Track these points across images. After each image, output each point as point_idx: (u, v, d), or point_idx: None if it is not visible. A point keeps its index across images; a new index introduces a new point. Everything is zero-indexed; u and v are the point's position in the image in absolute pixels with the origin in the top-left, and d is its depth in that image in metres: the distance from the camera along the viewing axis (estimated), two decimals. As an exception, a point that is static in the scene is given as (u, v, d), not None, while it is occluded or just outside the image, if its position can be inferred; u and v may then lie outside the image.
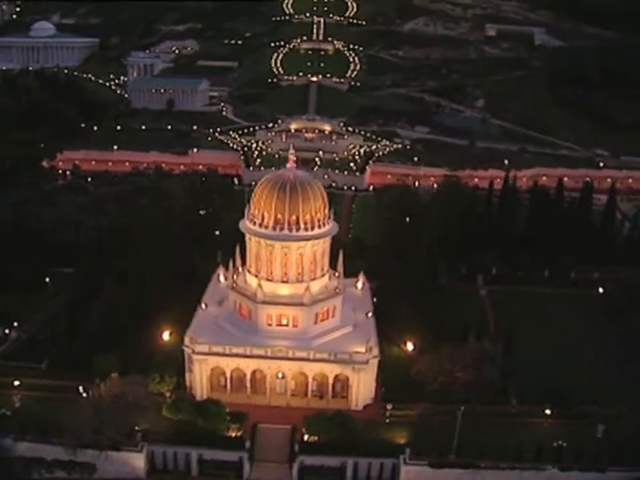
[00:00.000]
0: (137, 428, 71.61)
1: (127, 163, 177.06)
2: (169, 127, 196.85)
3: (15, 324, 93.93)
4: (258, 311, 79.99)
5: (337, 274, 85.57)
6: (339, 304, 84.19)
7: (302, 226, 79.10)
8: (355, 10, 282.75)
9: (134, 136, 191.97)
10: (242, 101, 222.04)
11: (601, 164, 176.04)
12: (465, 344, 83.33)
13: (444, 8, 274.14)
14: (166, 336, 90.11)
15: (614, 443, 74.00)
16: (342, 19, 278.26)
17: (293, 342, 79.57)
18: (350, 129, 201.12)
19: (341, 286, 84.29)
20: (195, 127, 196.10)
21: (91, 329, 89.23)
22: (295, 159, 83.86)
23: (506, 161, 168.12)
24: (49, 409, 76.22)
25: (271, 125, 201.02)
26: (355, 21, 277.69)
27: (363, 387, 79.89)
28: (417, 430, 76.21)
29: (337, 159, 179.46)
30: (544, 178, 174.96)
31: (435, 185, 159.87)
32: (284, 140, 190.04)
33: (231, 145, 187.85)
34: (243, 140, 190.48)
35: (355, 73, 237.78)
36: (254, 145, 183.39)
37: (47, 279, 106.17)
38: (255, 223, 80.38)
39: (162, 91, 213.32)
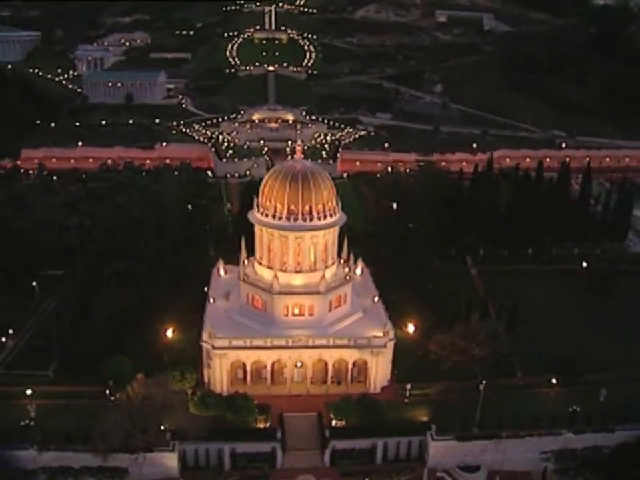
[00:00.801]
0: (165, 427, 71.13)
1: (90, 160, 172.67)
2: (130, 121, 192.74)
3: (11, 331, 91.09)
4: (274, 302, 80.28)
5: (343, 261, 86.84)
6: (349, 291, 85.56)
7: (315, 216, 79.74)
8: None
9: (94, 132, 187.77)
10: (200, 93, 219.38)
11: (563, 145, 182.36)
12: (474, 322, 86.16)
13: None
14: (169, 333, 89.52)
15: (617, 405, 78.41)
16: (292, 7, 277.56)
17: (310, 330, 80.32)
18: (313, 117, 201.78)
19: (350, 273, 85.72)
20: (157, 121, 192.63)
21: (95, 331, 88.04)
22: (301, 149, 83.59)
23: (474, 145, 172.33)
24: (66, 416, 74.56)
25: (233, 115, 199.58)
26: (305, 9, 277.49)
27: (380, 370, 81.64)
28: (437, 407, 78.63)
29: (305, 147, 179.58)
30: (507, 160, 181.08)
31: (408, 170, 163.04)
32: (249, 130, 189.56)
33: (197, 137, 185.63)
34: (207, 132, 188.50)
35: (311, 61, 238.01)
36: (221, 137, 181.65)
37: (34, 283, 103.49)
38: (266, 215, 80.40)
39: (119, 84, 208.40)
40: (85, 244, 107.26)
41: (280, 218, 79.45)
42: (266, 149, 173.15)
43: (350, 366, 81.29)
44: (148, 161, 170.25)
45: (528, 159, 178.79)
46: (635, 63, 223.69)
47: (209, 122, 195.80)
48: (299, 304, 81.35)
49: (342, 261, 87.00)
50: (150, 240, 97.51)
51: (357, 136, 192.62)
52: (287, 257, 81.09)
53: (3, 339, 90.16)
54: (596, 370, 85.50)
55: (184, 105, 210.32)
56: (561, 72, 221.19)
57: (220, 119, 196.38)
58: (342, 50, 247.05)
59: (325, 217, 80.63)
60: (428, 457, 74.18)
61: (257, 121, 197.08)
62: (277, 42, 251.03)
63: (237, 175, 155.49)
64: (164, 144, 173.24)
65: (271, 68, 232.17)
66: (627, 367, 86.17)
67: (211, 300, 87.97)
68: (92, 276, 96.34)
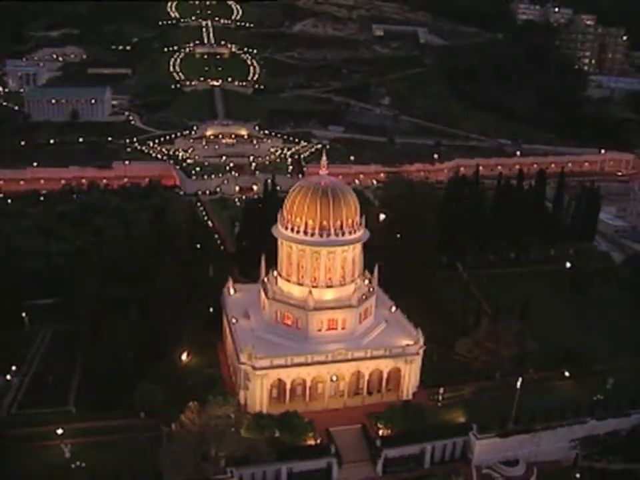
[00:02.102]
0: (219, 454, 69.52)
1: (42, 181, 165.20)
2: (80, 140, 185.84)
3: (14, 368, 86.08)
4: (309, 318, 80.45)
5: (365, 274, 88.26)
6: (374, 302, 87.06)
7: (346, 230, 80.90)
8: (240, 13, 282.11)
9: (42, 151, 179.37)
10: (147, 109, 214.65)
11: (518, 153, 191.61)
12: (496, 324, 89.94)
13: (329, 9, 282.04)
14: (184, 357, 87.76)
15: (623, 391, 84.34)
16: (229, 22, 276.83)
17: (345, 344, 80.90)
18: (266, 132, 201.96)
19: (374, 285, 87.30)
20: (109, 139, 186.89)
21: (110, 360, 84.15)
22: (326, 165, 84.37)
23: (435, 155, 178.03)
24: (106, 452, 71.10)
25: (187, 132, 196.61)
26: (242, 23, 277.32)
27: (412, 377, 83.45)
28: (472, 407, 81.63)
29: (267, 162, 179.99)
30: (462, 169, 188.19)
31: (375, 182, 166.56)
32: (206, 147, 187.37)
33: (153, 154, 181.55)
34: (163, 149, 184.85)
35: (256, 75, 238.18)
36: (180, 154, 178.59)
37: (23, 314, 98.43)
38: (297, 232, 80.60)
39: (63, 101, 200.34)
40: (78, 270, 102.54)
41: (312, 234, 79.91)
42: (230, 164, 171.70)
43: (385, 375, 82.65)
44: (104, 180, 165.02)
45: (481, 168, 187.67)
46: (564, 74, 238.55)
47: (162, 139, 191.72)
48: (332, 318, 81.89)
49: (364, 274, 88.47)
50: (158, 262, 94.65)
51: (313, 149, 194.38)
52: (319, 272, 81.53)
53: (8, 377, 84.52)
54: (596, 361, 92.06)
55: (132, 122, 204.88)
56: (499, 83, 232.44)
57: (173, 136, 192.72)
58: (284, 64, 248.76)
59: (355, 231, 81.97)
60: (473, 455, 76.51)
61: (211, 137, 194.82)
62: (218, 56, 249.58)
63: (207, 192, 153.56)
64: (127, 162, 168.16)
65: (215, 83, 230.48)
66: (618, 355, 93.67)
67: (233, 320, 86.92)
68: (94, 303, 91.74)
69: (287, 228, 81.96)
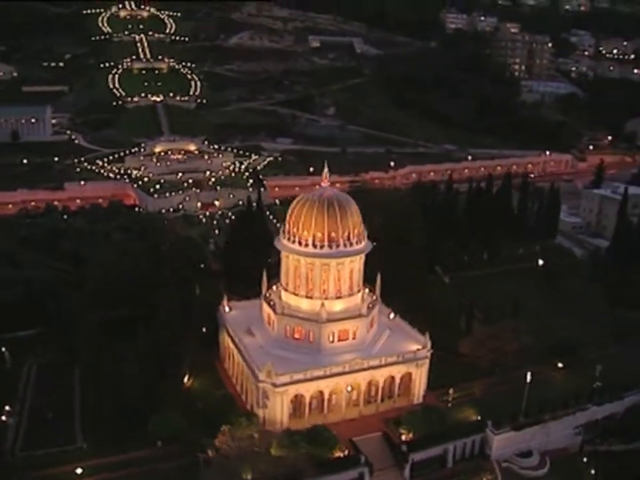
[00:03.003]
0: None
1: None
2: (25, 161, 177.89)
3: (8, 407, 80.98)
4: (321, 330, 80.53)
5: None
6: (377, 310, 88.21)
7: (353, 241, 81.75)
8: (174, 27, 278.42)
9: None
10: (89, 127, 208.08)
11: (469, 157, 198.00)
12: (497, 323, 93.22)
13: (264, 22, 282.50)
14: (185, 379, 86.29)
15: (611, 377, 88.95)
16: (163, 36, 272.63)
17: (357, 353, 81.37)
18: (215, 146, 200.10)
19: (377, 293, 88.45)
20: (56, 159, 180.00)
21: (116, 389, 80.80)
22: (327, 176, 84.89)
23: (392, 163, 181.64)
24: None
25: (135, 149, 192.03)
26: (177, 37, 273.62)
27: (422, 381, 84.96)
28: (480, 404, 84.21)
29: (222, 177, 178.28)
30: (413, 175, 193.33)
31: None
32: (158, 164, 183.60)
33: (104, 174, 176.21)
34: (113, 168, 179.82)
35: (198, 90, 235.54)
36: (135, 172, 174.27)
37: (3, 349, 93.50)
38: (305, 245, 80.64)
39: (2, 121, 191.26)
40: (66, 297, 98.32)
41: (322, 246, 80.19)
42: (190, 181, 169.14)
43: (397, 381, 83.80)
44: (56, 202, 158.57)
45: (432, 173, 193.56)
46: (498, 80, 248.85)
47: (110, 157, 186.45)
48: (343, 329, 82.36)
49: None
50: (156, 283, 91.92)
51: (265, 162, 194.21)
52: (328, 284, 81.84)
53: (3, 418, 79.75)
54: (583, 350, 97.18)
55: (76, 141, 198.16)
56: (437, 90, 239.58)
57: (122, 154, 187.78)
58: (224, 77, 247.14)
59: (360, 241, 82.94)
60: (491, 451, 78.68)
61: (161, 154, 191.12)
62: (157, 71, 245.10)
63: (171, 209, 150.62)
64: (82, 182, 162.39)
65: (157, 98, 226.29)
66: (600, 343, 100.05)
67: (237, 340, 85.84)
68: (94, 329, 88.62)
69: (293, 242, 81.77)
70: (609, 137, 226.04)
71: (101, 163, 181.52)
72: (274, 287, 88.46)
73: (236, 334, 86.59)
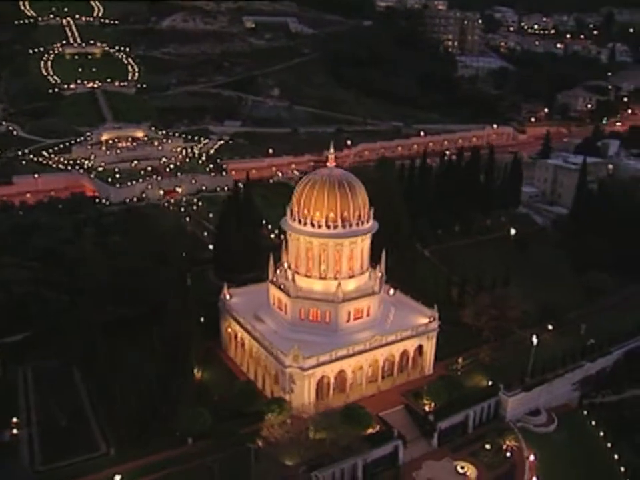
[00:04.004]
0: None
1: None
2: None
3: (15, 419, 76.42)
4: (339, 310, 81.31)
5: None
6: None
7: (363, 219, 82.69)
8: (102, 10, 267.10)
9: None
10: (26, 117, 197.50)
11: (422, 133, 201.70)
12: (492, 292, 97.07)
13: (197, 3, 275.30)
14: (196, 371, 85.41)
15: (594, 334, 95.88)
16: (92, 19, 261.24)
17: (372, 330, 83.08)
18: (163, 132, 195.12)
19: (382, 270, 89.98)
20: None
21: (131, 389, 78.25)
22: (333, 157, 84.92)
23: (349, 142, 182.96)
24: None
25: (81, 138, 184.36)
26: (106, 21, 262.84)
27: (432, 352, 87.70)
28: (487, 369, 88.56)
29: (177, 163, 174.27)
30: (366, 153, 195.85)
31: (297, 172, 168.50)
32: (108, 153, 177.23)
33: (53, 165, 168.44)
34: (62, 158, 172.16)
35: (136, 75, 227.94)
36: (87, 162, 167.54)
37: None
38: (319, 226, 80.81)
39: None
40: (48, 299, 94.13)
41: (335, 226, 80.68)
42: (146, 169, 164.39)
43: (411, 354, 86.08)
44: (4, 198, 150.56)
45: (383, 150, 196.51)
46: (435, 56, 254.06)
47: (56, 148, 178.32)
48: (358, 308, 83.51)
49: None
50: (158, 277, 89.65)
51: (217, 146, 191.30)
52: (341, 264, 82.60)
53: (14, 431, 74.75)
54: (565, 312, 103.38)
55: (15, 132, 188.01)
56: (378, 68, 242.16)
57: (68, 144, 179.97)
58: (162, 61, 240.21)
59: (369, 219, 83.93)
60: (506, 412, 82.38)
61: (109, 142, 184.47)
62: (90, 57, 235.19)
63: (135, 199, 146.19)
64: (36, 175, 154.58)
65: (94, 85, 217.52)
66: (576, 304, 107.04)
67: (249, 327, 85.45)
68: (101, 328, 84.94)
69: (305, 224, 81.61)
70: (546, 110, 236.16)
71: (47, 154, 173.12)
72: (278, 271, 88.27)
73: (247, 321, 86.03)
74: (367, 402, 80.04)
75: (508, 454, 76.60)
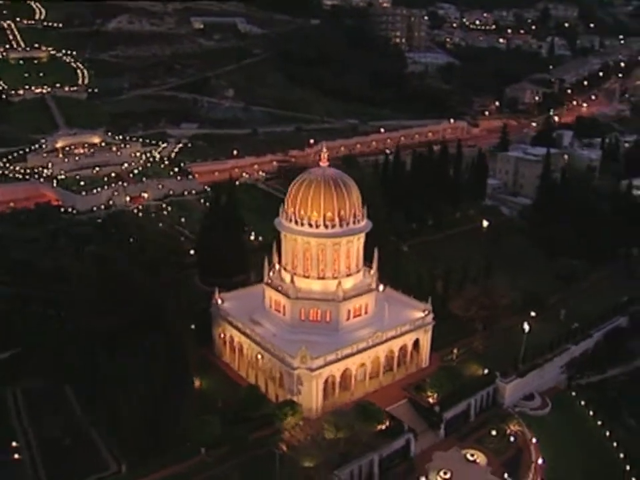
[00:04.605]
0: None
1: None
2: None
3: (15, 444, 73.20)
4: (340, 309, 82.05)
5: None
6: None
7: (358, 217, 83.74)
8: (44, 13, 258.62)
9: None
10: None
11: (382, 130, 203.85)
12: (478, 283, 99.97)
13: (142, 5, 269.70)
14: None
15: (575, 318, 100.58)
16: (33, 22, 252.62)
17: (371, 327, 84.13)
18: (120, 137, 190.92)
19: (375, 267, 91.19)
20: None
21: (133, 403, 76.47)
22: (327, 156, 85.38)
23: (312, 140, 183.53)
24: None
25: (35, 146, 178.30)
26: (49, 23, 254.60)
27: (428, 345, 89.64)
28: (480, 358, 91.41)
29: (139, 168, 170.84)
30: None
31: (264, 173, 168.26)
32: (66, 160, 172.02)
33: (9, 175, 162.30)
34: (17, 168, 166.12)
35: (86, 79, 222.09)
36: (44, 171, 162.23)
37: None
38: (316, 226, 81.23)
39: None
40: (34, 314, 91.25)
41: (333, 226, 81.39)
42: (109, 176, 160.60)
43: (409, 348, 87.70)
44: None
45: (343, 148, 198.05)
46: (385, 53, 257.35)
47: (9, 157, 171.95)
48: (357, 305, 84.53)
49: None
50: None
51: (176, 149, 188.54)
52: (339, 262, 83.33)
53: (16, 456, 71.25)
54: (544, 298, 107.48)
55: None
56: (329, 66, 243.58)
57: (22, 152, 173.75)
58: (111, 64, 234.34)
59: (363, 217, 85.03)
60: (504, 399, 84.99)
61: (66, 149, 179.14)
62: (36, 61, 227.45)
63: (102, 206, 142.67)
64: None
65: (43, 90, 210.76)
66: (553, 290, 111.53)
67: (248, 330, 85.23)
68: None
69: (302, 224, 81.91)
70: (497, 103, 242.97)
71: (1, 164, 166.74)
72: (271, 272, 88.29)
73: (246, 325, 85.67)
74: (370, 398, 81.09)
75: (512, 438, 79.15)
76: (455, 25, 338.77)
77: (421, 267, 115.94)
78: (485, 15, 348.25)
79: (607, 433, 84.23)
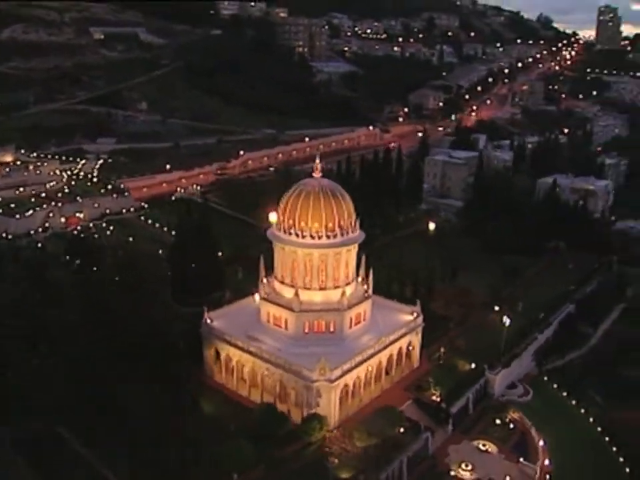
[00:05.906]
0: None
1: None
2: None
3: None
4: (344, 319, 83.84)
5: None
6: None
7: (355, 226, 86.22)
8: None
9: None
10: None
11: (307, 139, 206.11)
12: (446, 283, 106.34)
13: (37, 13, 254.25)
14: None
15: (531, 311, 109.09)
16: None
17: (371, 333, 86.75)
18: (33, 154, 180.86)
19: (363, 274, 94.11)
20: None
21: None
22: (319, 167, 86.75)
23: (241, 152, 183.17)
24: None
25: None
26: None
27: (419, 345, 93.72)
28: (464, 353, 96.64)
29: (65, 189, 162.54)
30: (250, 162, 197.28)
31: (199, 187, 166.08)
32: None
33: None
34: None
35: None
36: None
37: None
38: (319, 237, 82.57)
39: None
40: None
41: (335, 236, 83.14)
42: (42, 195, 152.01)
43: (405, 350, 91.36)
44: None
45: (266, 158, 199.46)
46: (290, 63, 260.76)
47: None
48: (358, 313, 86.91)
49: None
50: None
51: (98, 166, 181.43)
52: (338, 272, 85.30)
53: None
54: (500, 292, 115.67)
55: None
56: (237, 77, 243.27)
57: None
58: (10, 76, 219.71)
59: (357, 226, 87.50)
60: (494, 390, 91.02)
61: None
62: None
63: (39, 229, 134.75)
64: None
65: None
66: (504, 285, 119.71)
67: (252, 348, 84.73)
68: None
69: (303, 236, 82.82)
70: (405, 109, 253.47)
71: None
72: (280, 285, 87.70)
73: (248, 342, 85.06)
74: (377, 402, 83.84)
75: (511, 425, 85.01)
76: (349, 34, 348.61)
77: (383, 270, 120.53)
78: (375, 23, 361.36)
79: (582, 411, 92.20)
